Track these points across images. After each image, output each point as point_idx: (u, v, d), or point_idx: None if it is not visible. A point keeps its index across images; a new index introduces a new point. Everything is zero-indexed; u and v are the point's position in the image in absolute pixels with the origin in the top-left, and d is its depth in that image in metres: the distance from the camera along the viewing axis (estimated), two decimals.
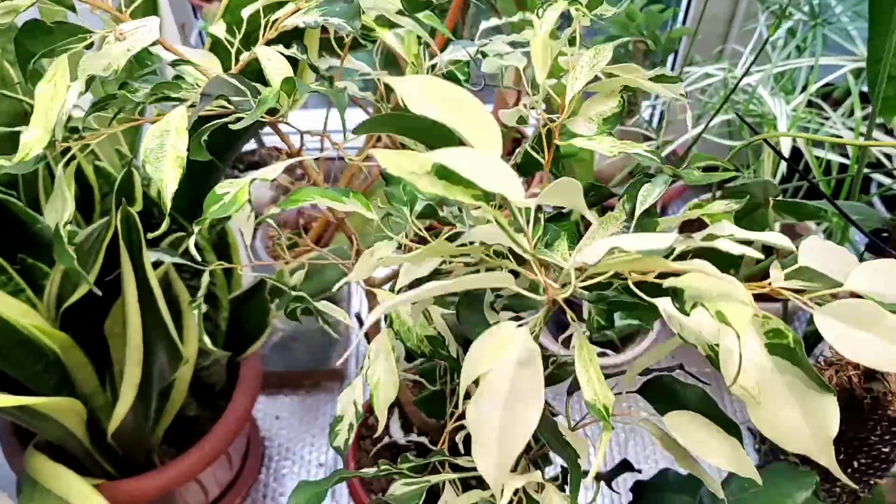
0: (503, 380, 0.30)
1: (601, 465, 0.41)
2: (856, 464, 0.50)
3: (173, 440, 0.81)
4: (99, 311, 0.62)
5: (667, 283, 0.32)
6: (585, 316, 0.53)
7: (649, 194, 0.43)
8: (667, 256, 0.33)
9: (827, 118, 0.79)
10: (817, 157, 0.78)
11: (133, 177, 0.50)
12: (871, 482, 0.52)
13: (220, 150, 0.40)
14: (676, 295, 0.33)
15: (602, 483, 0.55)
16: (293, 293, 0.47)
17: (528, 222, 0.35)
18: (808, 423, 0.30)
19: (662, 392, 0.43)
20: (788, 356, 0.29)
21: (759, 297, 0.31)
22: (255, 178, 0.37)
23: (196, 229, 0.35)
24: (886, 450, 0.49)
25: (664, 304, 0.35)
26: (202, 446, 0.75)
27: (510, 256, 0.39)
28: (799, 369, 0.29)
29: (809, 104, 0.80)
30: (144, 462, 0.76)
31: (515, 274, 0.35)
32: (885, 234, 0.44)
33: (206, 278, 0.50)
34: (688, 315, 0.32)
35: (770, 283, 0.31)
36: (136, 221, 0.48)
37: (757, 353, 0.29)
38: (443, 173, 0.33)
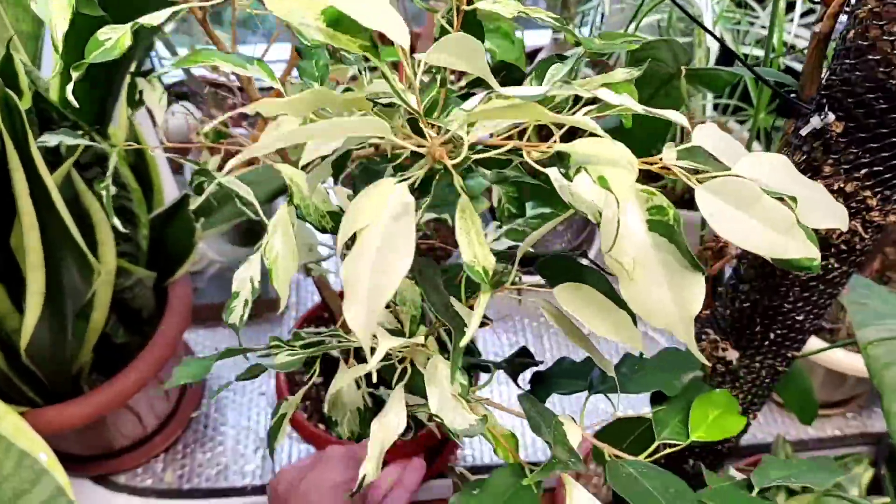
0: (376, 234, 0.29)
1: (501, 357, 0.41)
2: (772, 335, 0.50)
3: (103, 370, 0.78)
4: (2, 228, 0.59)
5: (555, 147, 0.32)
6: (495, 203, 0.52)
7: (558, 72, 0.42)
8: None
9: (756, 17, 0.79)
10: (745, 55, 0.77)
11: (14, 62, 0.47)
12: (789, 355, 0.52)
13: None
14: (563, 160, 0.32)
15: (500, 372, 0.54)
16: (205, 175, 0.45)
17: (415, 75, 0.34)
18: (676, 301, 0.30)
19: (558, 269, 0.43)
20: (667, 233, 0.29)
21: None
22: (138, 23, 0.34)
23: (74, 76, 0.33)
24: (800, 318, 0.49)
25: (554, 173, 0.34)
26: (129, 372, 0.73)
27: (407, 126, 0.38)
28: (675, 247, 0.29)
29: (739, 4, 0.79)
30: (73, 392, 0.74)
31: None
32: (794, 94, 0.44)
33: (113, 159, 0.48)
34: (571, 180, 0.32)
35: (661, 160, 0.30)
36: (17, 104, 0.45)
37: (637, 228, 0.29)
38: (332, 20, 0.32)
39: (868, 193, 0.40)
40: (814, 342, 0.77)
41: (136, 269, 0.69)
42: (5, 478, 0.56)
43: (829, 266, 0.45)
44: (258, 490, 0.86)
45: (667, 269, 0.30)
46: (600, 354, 0.43)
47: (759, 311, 0.49)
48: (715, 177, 0.29)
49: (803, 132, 0.38)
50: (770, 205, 0.29)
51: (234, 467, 0.88)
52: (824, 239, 0.43)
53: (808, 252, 0.29)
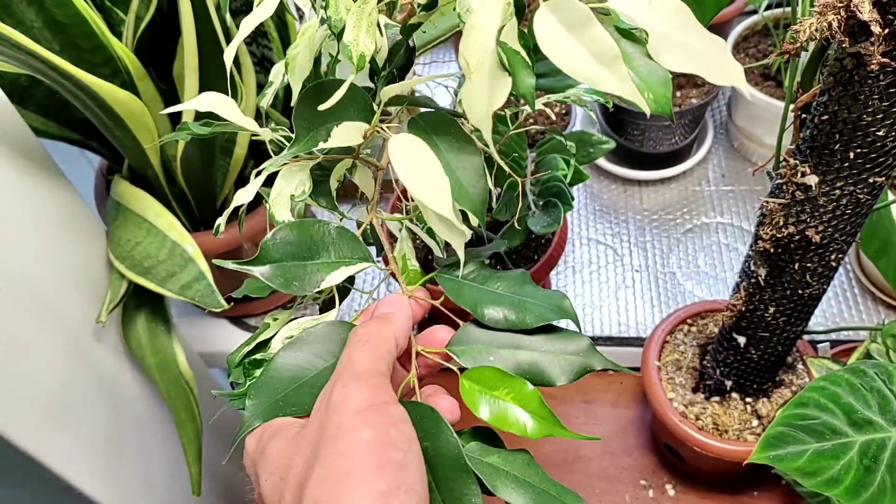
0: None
1: None
2: (852, 154, 0.51)
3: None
4: (168, 60, 0.70)
5: None
6: None
7: None
8: None
9: None
10: None
11: None
12: (871, 181, 0.53)
13: None
14: None
15: None
16: None
17: None
18: (489, 99, 0.32)
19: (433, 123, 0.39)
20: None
21: None
22: None
23: None
24: (881, 133, 0.49)
25: None
26: (259, 211, 0.84)
27: None
28: (501, 55, 0.32)
29: None
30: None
31: None
32: None
33: None
34: None
35: None
36: None
37: (490, 36, 0.31)
38: None
39: None
40: None
41: (274, 112, 0.78)
42: (161, 262, 0.68)
43: None
44: None
45: (492, 71, 0.32)
46: None
47: (837, 125, 0.50)
48: None
49: None
50: (599, 35, 0.30)
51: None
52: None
53: (624, 91, 0.30)
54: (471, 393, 0.37)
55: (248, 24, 0.42)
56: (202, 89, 0.67)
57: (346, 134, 0.39)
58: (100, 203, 0.82)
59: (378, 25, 0.40)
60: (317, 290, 0.39)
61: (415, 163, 0.36)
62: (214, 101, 0.42)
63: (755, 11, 1.00)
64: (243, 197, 0.45)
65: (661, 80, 0.32)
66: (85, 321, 0.69)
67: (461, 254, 0.41)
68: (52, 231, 0.65)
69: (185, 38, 0.62)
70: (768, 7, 0.97)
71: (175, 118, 0.73)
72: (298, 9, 1.07)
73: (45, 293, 0.64)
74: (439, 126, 0.38)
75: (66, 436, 0.65)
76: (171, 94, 0.72)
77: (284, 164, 0.43)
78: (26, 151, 0.63)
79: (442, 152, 0.37)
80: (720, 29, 1.04)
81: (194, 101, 0.42)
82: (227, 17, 0.68)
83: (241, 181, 0.83)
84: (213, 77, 0.67)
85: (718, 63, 0.32)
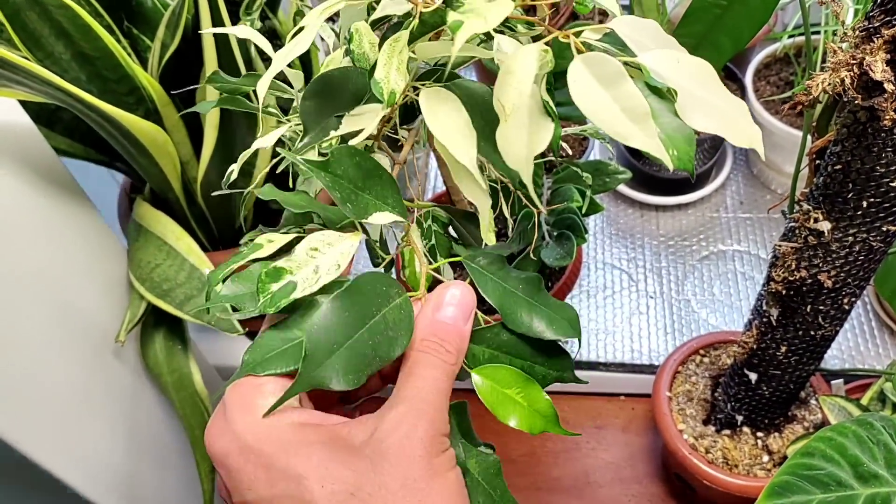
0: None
1: None
2: (864, 203, 0.51)
3: None
4: (193, 82, 0.72)
5: None
6: None
7: None
8: None
9: None
10: None
11: None
12: (884, 229, 0.53)
13: None
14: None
15: None
16: None
17: None
18: (528, 143, 0.32)
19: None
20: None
21: None
22: None
23: None
24: (895, 184, 0.50)
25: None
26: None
27: None
28: (541, 99, 0.32)
29: None
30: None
31: None
32: None
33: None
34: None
35: (572, 32, 0.32)
36: None
37: (527, 81, 0.31)
38: None
39: None
40: None
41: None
42: (180, 284, 0.69)
43: None
44: None
45: (531, 115, 0.32)
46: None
47: (850, 175, 0.50)
48: (594, 49, 0.30)
49: None
50: (631, 91, 0.30)
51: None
52: None
53: (650, 147, 0.30)
54: (485, 391, 0.36)
55: (281, 60, 0.42)
56: (223, 119, 0.69)
57: (361, 118, 0.38)
58: (122, 220, 0.83)
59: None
60: (364, 221, 0.37)
61: (444, 113, 0.36)
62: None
63: (777, 39, 1.00)
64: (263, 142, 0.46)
65: (685, 137, 0.32)
66: (105, 339, 0.71)
67: (484, 216, 0.39)
68: (74, 252, 0.67)
69: (207, 69, 0.64)
70: (790, 36, 0.97)
71: (197, 144, 0.74)
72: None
73: (65, 313, 0.65)
74: (473, 93, 0.37)
75: (84, 451, 0.67)
76: (194, 119, 0.73)
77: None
78: (50, 175, 0.64)
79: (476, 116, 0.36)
80: (741, 56, 1.03)
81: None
82: (252, 48, 0.69)
83: (261, 203, 0.84)
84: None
85: (739, 124, 0.32)
